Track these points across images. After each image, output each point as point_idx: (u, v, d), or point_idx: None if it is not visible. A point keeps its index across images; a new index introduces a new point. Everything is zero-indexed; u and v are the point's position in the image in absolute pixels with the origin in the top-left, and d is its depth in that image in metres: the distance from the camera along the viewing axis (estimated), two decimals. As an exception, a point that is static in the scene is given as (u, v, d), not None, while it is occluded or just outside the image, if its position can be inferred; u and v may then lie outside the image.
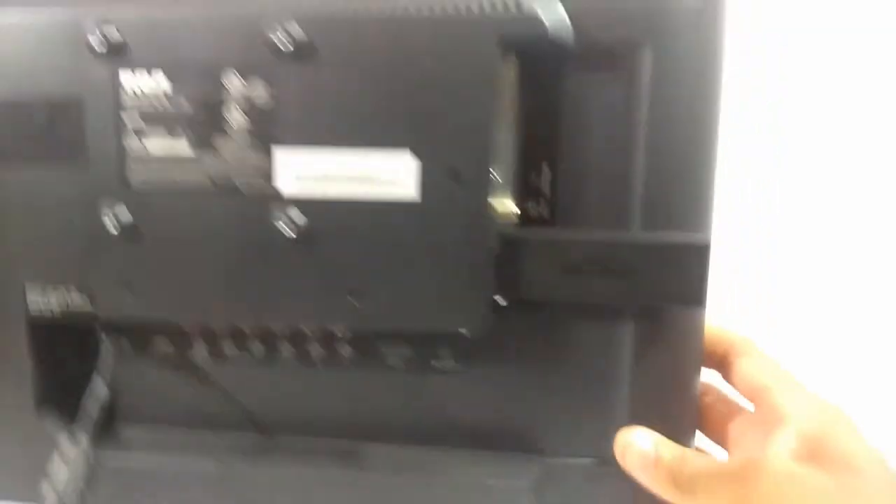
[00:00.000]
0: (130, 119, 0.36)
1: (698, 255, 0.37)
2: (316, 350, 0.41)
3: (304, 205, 0.36)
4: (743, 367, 0.40)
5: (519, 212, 0.38)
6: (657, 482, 0.37)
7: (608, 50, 0.36)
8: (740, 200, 0.67)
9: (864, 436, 0.35)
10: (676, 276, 0.37)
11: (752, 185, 0.67)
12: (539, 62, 0.37)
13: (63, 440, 0.37)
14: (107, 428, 0.39)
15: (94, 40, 0.35)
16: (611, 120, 0.37)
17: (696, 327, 0.40)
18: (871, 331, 0.68)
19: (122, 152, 0.36)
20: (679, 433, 0.39)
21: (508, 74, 0.37)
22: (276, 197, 0.36)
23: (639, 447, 0.38)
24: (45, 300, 0.38)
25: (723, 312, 0.42)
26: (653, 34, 0.36)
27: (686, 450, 0.38)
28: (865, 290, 0.68)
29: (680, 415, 0.40)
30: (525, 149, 0.38)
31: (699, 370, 0.40)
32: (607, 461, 0.39)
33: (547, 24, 0.35)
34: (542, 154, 0.38)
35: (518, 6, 0.35)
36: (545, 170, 0.38)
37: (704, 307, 0.38)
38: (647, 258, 0.37)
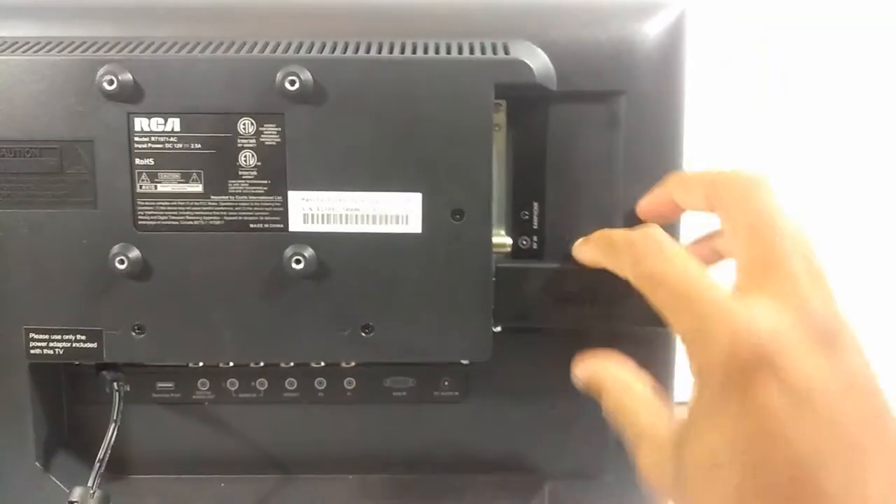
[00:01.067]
0: (142, 161, 0.37)
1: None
2: (321, 384, 0.42)
3: (314, 242, 0.38)
4: None
5: (512, 244, 0.41)
6: None
7: (588, 95, 0.40)
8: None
9: None
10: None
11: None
12: (526, 106, 0.40)
13: (73, 493, 0.36)
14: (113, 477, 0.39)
15: (107, 83, 0.36)
16: (592, 160, 0.40)
17: (670, 343, 0.43)
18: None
19: (132, 194, 0.37)
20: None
21: (499, 117, 0.40)
22: (286, 235, 0.38)
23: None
24: (48, 343, 0.38)
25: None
26: (626, 79, 0.40)
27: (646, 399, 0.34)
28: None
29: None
30: (515, 186, 0.41)
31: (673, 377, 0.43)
32: (602, 478, 0.41)
33: (533, 69, 0.38)
34: (531, 191, 0.41)
35: (506, 51, 0.38)
36: (535, 205, 0.41)
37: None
38: (631, 286, 0.40)
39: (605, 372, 0.35)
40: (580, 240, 0.39)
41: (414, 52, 0.38)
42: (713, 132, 0.62)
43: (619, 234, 0.35)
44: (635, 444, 0.32)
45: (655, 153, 0.40)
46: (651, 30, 0.40)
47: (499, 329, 0.40)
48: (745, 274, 0.30)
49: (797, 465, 0.26)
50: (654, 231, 0.34)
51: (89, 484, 0.37)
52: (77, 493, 0.36)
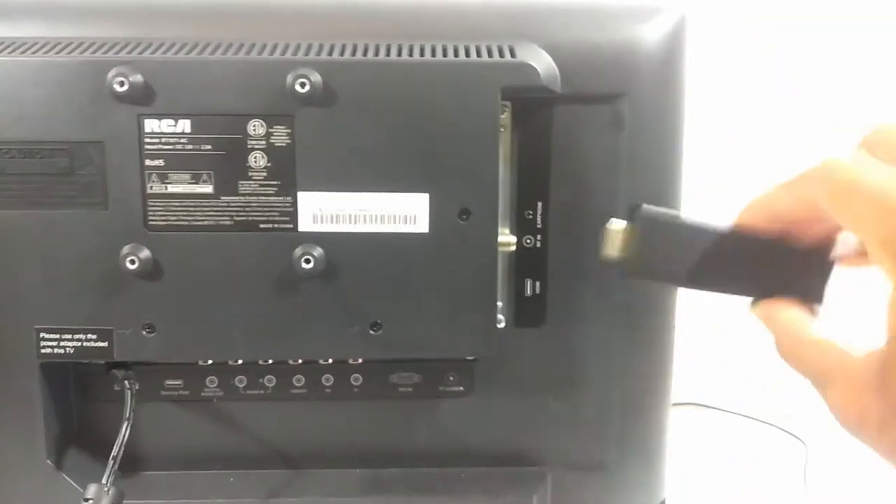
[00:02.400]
0: (152, 162, 0.37)
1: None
2: (328, 381, 0.43)
3: (324, 242, 0.38)
4: None
5: (516, 242, 0.42)
6: None
7: (590, 97, 0.41)
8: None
9: None
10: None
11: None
12: (530, 107, 0.41)
13: (87, 490, 0.37)
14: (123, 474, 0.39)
15: (118, 84, 0.36)
16: (595, 160, 0.41)
17: (668, 341, 0.44)
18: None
19: (143, 194, 0.38)
20: (656, 433, 0.45)
21: (504, 118, 0.41)
22: (296, 235, 0.38)
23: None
24: (58, 342, 0.39)
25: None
26: (628, 81, 0.41)
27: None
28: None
29: (659, 415, 0.45)
30: (520, 186, 0.42)
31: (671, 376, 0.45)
32: (605, 469, 0.43)
33: (539, 72, 0.39)
34: (535, 190, 0.41)
35: (513, 54, 0.39)
36: (538, 205, 0.42)
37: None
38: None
39: (777, 316, 0.33)
40: (742, 209, 0.32)
41: (422, 54, 0.38)
42: (723, 133, 0.63)
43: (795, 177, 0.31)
44: (822, 386, 0.30)
45: (656, 153, 0.41)
46: (651, 34, 0.41)
47: (502, 325, 0.41)
48: None
49: None
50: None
51: (103, 481, 0.37)
52: (92, 490, 0.37)
